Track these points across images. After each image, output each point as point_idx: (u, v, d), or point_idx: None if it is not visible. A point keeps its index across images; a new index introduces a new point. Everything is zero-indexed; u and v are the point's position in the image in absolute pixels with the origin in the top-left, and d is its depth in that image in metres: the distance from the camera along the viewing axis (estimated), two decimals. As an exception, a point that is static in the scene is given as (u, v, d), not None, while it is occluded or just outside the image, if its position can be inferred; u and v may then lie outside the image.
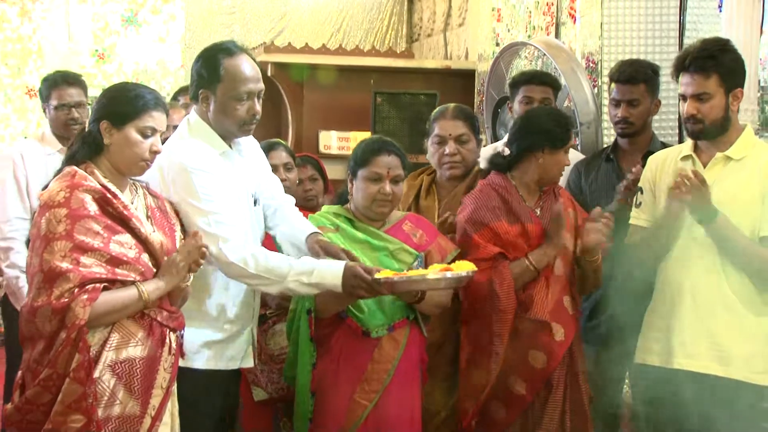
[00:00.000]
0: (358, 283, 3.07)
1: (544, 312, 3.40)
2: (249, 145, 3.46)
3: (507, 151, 3.57)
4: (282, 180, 3.98)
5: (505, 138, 4.39)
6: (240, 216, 3.21)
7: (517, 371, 3.41)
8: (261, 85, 3.23)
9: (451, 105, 3.92)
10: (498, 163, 3.61)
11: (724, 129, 3.25)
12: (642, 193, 3.42)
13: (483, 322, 3.44)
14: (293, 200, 3.63)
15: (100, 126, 2.83)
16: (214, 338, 3.21)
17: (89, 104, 4.62)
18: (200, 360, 3.16)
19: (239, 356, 3.32)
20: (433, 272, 3.10)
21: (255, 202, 3.42)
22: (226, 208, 3.12)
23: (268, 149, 4.06)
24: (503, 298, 3.39)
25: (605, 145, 4.35)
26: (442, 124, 3.80)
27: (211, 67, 3.19)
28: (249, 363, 3.38)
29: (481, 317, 3.44)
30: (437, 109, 3.95)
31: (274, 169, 3.99)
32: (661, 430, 3.34)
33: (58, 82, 4.63)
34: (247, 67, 3.19)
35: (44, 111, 4.71)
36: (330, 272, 3.10)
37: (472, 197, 3.56)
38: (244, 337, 3.33)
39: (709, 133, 3.26)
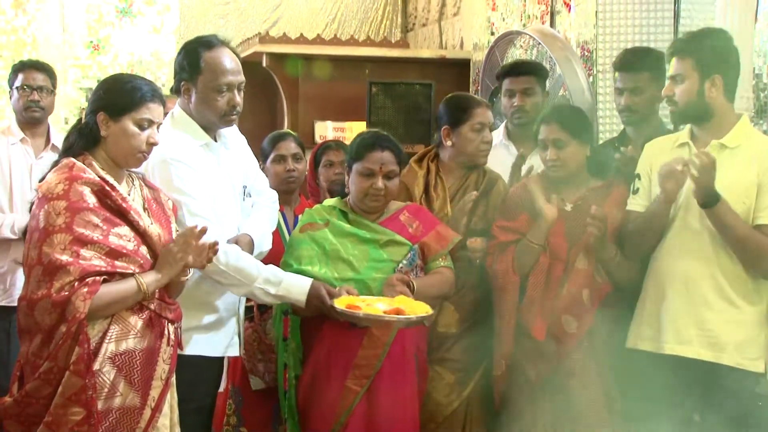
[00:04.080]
0: (318, 304, 3.20)
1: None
2: (236, 139, 3.48)
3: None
4: (290, 170, 4.00)
5: (501, 127, 4.42)
6: (220, 208, 3.24)
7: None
8: (241, 78, 3.29)
9: (471, 95, 3.91)
10: None
11: (702, 115, 3.27)
12: (639, 179, 3.43)
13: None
14: (276, 196, 3.66)
15: (97, 117, 2.83)
16: (198, 324, 3.23)
17: (55, 91, 4.67)
18: (186, 345, 3.18)
19: (224, 344, 3.36)
20: (389, 315, 3.12)
21: (246, 196, 3.44)
22: (202, 201, 3.16)
23: (277, 140, 4.09)
24: (500, 277, 3.56)
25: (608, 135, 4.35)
26: (482, 113, 3.76)
27: (192, 59, 3.24)
28: (234, 352, 3.42)
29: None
30: (461, 97, 3.94)
31: (282, 159, 4.01)
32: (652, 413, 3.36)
33: (26, 66, 4.72)
34: (227, 59, 3.24)
35: (10, 97, 4.75)
36: (296, 287, 3.21)
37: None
38: (230, 326, 3.37)
39: (683, 116, 3.31)
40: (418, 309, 3.16)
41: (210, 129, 3.30)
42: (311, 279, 3.25)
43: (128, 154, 2.86)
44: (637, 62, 3.85)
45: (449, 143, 3.78)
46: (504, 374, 3.57)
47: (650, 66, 3.83)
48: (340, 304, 3.14)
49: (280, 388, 3.49)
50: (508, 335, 3.55)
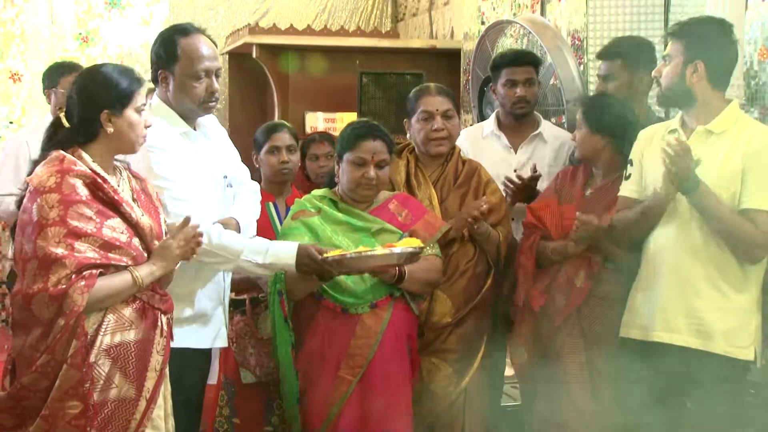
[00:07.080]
0: (310, 262, 3.19)
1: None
2: (216, 129, 3.49)
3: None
4: (284, 162, 4.00)
5: (492, 116, 4.42)
6: (201, 194, 3.24)
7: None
8: (218, 64, 3.31)
9: (431, 84, 3.92)
10: None
11: (683, 99, 3.28)
12: (632, 165, 3.44)
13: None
14: (257, 187, 3.66)
15: (101, 117, 2.81)
16: (183, 316, 3.23)
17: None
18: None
19: (212, 336, 3.37)
20: (381, 249, 3.17)
21: (227, 185, 3.44)
22: (183, 186, 3.17)
23: (271, 131, 4.09)
24: (516, 269, 3.74)
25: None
26: (428, 101, 3.75)
27: (169, 47, 3.25)
28: (222, 343, 3.44)
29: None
30: (417, 88, 3.92)
31: (276, 150, 4.01)
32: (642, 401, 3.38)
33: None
34: (203, 46, 3.26)
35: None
36: (284, 252, 3.22)
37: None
38: (216, 317, 3.38)
39: (665, 99, 3.36)
40: (411, 244, 3.23)
41: (189, 117, 3.31)
42: (297, 242, 3.26)
43: (133, 142, 2.90)
44: (611, 50, 4.01)
45: (408, 135, 3.82)
46: (527, 362, 3.64)
47: (623, 54, 3.95)
48: (332, 255, 3.18)
49: (288, 372, 3.43)
50: (527, 322, 3.61)
